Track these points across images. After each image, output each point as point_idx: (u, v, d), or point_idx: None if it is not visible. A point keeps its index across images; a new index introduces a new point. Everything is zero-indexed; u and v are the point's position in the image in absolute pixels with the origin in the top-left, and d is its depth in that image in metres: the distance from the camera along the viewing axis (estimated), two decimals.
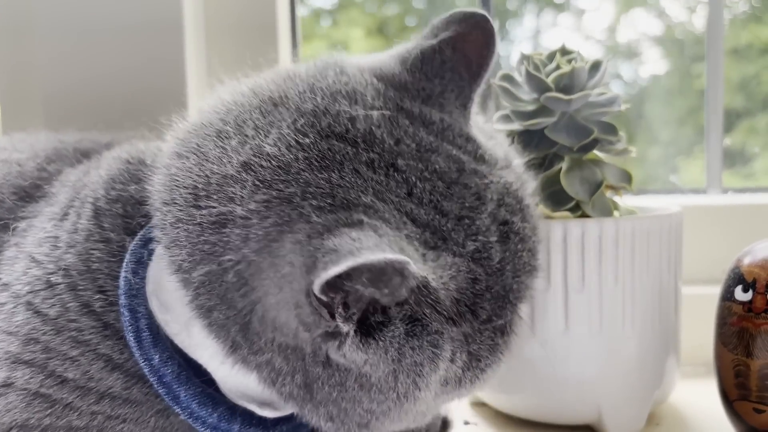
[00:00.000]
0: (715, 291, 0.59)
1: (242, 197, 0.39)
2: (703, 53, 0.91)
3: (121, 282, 0.44)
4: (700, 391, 0.65)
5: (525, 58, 0.61)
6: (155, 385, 0.43)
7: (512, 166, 0.45)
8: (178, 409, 0.43)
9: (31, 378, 0.44)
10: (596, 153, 0.61)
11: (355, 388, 0.39)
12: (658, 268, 0.59)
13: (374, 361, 0.38)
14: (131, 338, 0.43)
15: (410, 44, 0.45)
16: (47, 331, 0.44)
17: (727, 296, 0.57)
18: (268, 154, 0.39)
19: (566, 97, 0.59)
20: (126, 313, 0.44)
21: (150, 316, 0.44)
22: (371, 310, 0.38)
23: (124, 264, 0.45)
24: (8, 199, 0.51)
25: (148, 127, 0.59)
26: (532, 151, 0.60)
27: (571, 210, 0.60)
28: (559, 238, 0.57)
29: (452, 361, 0.40)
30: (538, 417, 0.62)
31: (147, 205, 0.44)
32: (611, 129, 0.60)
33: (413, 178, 0.40)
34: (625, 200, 0.64)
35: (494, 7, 0.91)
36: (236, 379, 0.43)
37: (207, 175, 0.40)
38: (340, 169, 0.39)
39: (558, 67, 0.60)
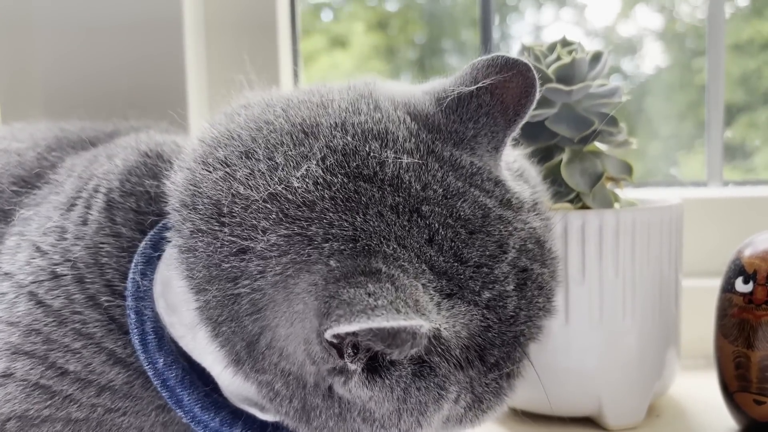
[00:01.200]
0: (715, 284, 0.59)
1: (265, 229, 0.38)
2: (704, 48, 0.91)
3: (129, 284, 0.44)
4: (700, 384, 0.65)
5: (525, 49, 0.61)
6: (159, 389, 0.43)
7: (538, 209, 0.45)
8: (181, 413, 0.43)
9: (32, 369, 0.44)
10: (597, 144, 0.61)
11: (357, 420, 0.39)
12: (658, 260, 0.59)
13: (379, 399, 0.38)
14: (136, 341, 0.43)
15: (447, 81, 0.44)
16: (49, 322, 0.44)
17: (728, 288, 0.57)
18: (295, 189, 0.39)
19: (567, 88, 0.59)
20: (132, 316, 0.43)
21: (156, 319, 0.44)
22: (380, 352, 0.37)
23: (133, 265, 0.44)
24: (8, 189, 0.51)
25: (153, 118, 0.60)
26: (533, 142, 0.60)
27: (571, 201, 0.60)
28: (559, 230, 0.57)
29: (456, 401, 0.40)
30: (537, 409, 0.62)
31: (162, 202, 0.44)
32: (612, 120, 0.60)
33: (436, 225, 0.39)
34: (625, 192, 0.64)
35: (495, 3, 0.90)
36: (238, 384, 0.43)
37: (233, 194, 0.40)
38: (365, 212, 0.38)
39: (558, 58, 0.60)
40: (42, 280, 0.45)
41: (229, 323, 0.40)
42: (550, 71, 0.59)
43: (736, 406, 0.57)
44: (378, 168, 0.40)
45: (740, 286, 0.56)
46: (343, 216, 0.38)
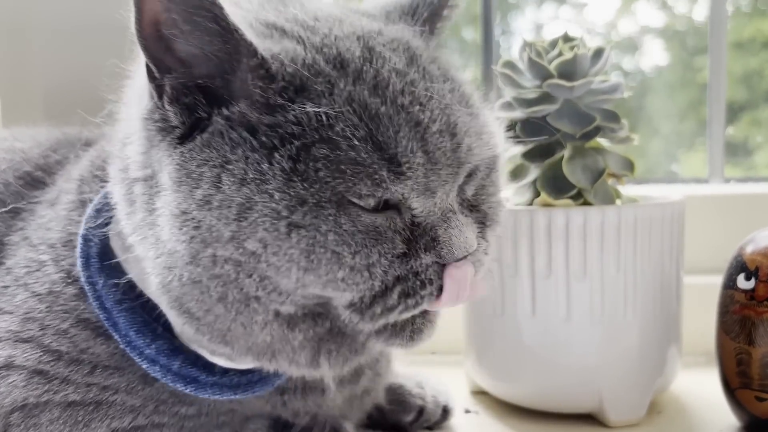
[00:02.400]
0: (717, 281, 0.59)
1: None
2: (705, 46, 0.90)
3: (85, 216, 0.47)
4: (701, 380, 0.65)
5: (527, 45, 0.61)
6: (96, 310, 0.45)
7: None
8: (117, 337, 0.44)
9: (30, 355, 0.45)
10: (598, 141, 0.61)
11: (158, 211, 0.40)
12: (660, 256, 0.59)
13: (173, 163, 0.39)
14: (80, 263, 0.45)
15: None
16: (42, 308, 0.46)
17: (730, 284, 0.57)
18: None
19: (568, 84, 0.58)
20: (80, 241, 0.46)
21: (104, 248, 0.45)
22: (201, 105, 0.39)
23: (91, 205, 0.47)
24: (14, 183, 0.53)
25: None
26: (535, 138, 0.59)
27: (573, 198, 0.59)
28: (561, 225, 0.57)
29: (274, 152, 0.38)
30: (539, 405, 0.62)
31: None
32: (613, 116, 0.60)
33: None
34: (627, 189, 0.64)
35: (496, 0, 0.90)
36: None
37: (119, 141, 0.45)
38: None
39: (560, 54, 0.60)
40: (32, 271, 0.48)
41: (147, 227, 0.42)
42: (552, 67, 0.59)
43: (737, 402, 0.57)
44: None
45: (742, 282, 0.56)
46: None
